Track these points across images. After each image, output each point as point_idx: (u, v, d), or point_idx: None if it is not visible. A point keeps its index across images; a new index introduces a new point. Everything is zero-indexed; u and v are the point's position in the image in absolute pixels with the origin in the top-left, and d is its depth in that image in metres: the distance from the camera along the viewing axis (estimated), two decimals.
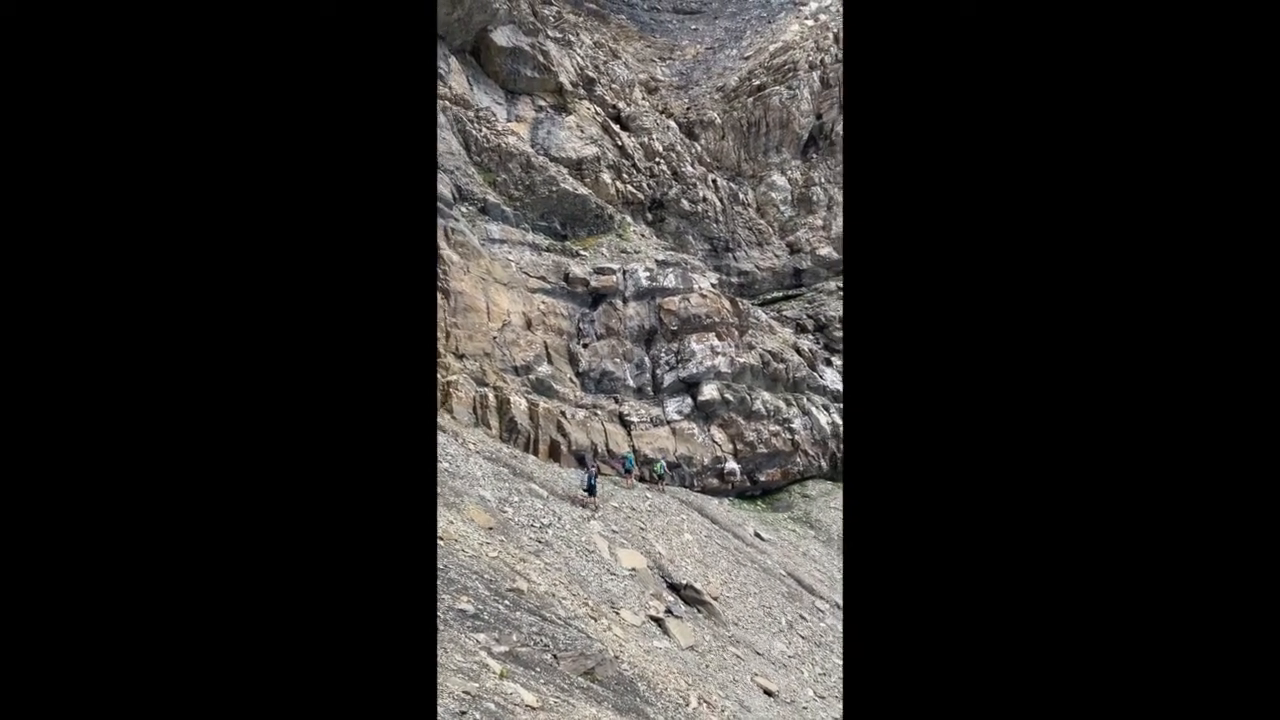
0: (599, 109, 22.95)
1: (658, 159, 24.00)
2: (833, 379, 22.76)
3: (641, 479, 17.35)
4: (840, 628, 14.49)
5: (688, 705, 9.89)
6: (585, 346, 18.84)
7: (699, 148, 26.19)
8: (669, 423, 19.04)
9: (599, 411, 18.12)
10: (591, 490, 14.82)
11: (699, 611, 13.24)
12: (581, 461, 16.83)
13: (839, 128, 26.41)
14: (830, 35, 27.32)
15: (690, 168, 24.77)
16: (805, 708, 11.82)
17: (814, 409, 21.29)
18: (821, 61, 26.88)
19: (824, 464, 21.02)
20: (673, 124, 25.85)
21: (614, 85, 24.77)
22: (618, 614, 11.48)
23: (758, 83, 26.94)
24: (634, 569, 13.27)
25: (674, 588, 13.54)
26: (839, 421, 21.54)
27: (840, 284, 26.16)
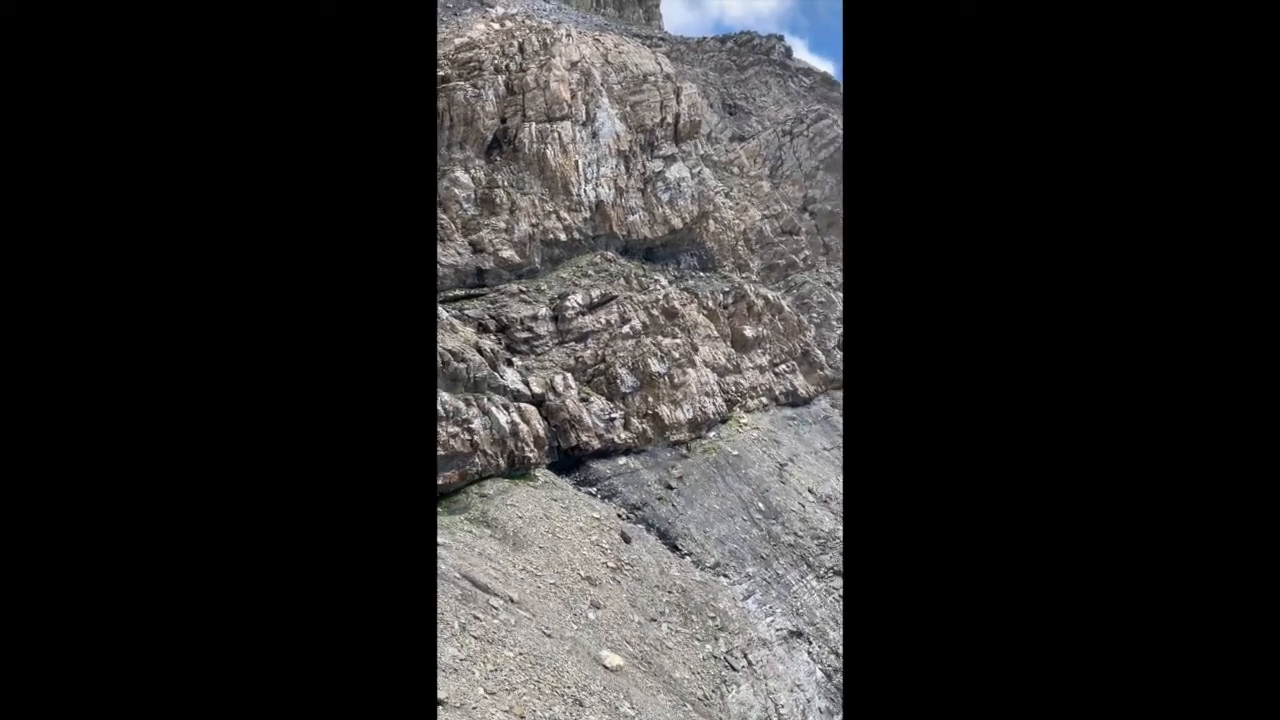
0: None
1: None
2: (513, 379, 23.15)
3: None
4: (512, 621, 14.73)
5: None
6: None
7: None
8: None
9: None
10: None
11: None
12: None
13: (522, 135, 27.13)
14: (516, 44, 27.95)
15: None
16: (475, 708, 11.67)
17: (494, 409, 21.36)
18: (507, 67, 27.32)
19: (502, 462, 21.22)
20: None
21: None
22: None
23: (442, 74, 26.17)
24: None
25: None
26: (517, 420, 21.98)
27: (521, 287, 26.85)
